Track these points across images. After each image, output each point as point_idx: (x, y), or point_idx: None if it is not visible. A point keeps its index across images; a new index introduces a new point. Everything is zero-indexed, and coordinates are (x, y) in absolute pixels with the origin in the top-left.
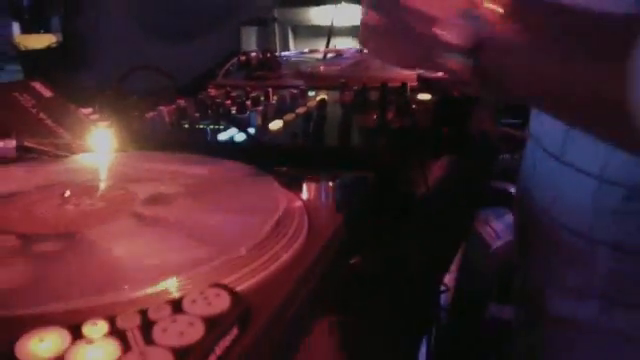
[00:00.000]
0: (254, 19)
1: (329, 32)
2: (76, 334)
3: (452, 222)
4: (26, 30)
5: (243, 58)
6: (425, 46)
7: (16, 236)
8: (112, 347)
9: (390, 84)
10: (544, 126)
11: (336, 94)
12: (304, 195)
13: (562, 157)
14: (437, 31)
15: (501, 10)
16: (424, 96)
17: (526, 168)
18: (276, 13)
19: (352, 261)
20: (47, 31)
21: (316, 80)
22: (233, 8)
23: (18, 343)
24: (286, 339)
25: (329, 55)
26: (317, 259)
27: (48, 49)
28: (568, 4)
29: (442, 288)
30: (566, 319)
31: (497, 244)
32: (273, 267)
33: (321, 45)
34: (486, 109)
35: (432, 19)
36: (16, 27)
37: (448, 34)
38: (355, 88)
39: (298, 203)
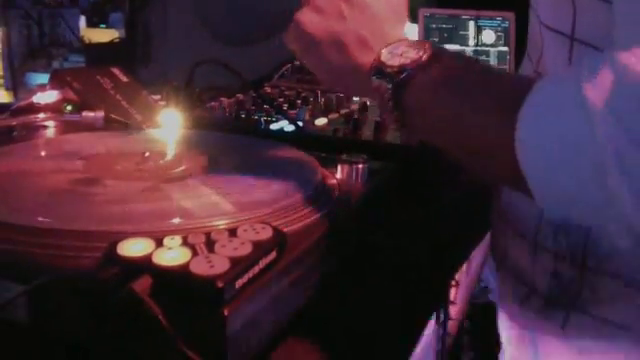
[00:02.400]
0: None
1: None
2: (159, 243)
3: (472, 215)
4: (92, 24)
5: (297, 63)
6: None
7: (111, 182)
8: (185, 252)
9: None
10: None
11: None
12: (338, 174)
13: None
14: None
15: (425, 56)
16: None
17: None
18: None
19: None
20: (111, 26)
21: None
22: (291, 18)
23: (119, 245)
24: (310, 271)
25: None
26: (341, 222)
27: (111, 44)
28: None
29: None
30: None
31: None
32: (308, 220)
33: None
34: None
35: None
36: (83, 20)
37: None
38: None
39: (332, 179)
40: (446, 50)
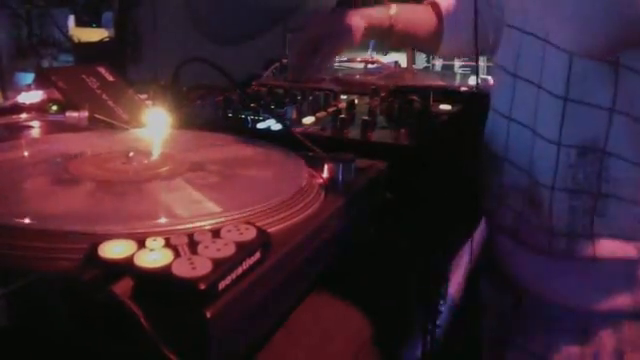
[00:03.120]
0: (301, 28)
1: (371, 44)
2: (141, 245)
3: (460, 213)
4: (81, 23)
5: (286, 61)
6: None
7: (94, 182)
8: (167, 254)
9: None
10: (494, 91)
11: (366, 99)
12: (324, 173)
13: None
14: None
15: None
16: (445, 106)
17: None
18: None
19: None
20: (100, 26)
21: (350, 86)
22: (280, 17)
23: (100, 246)
24: (295, 273)
25: (369, 65)
26: (327, 221)
27: (100, 43)
28: None
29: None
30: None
31: None
32: (293, 220)
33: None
34: None
35: None
36: (72, 20)
37: None
38: (383, 94)
39: (319, 178)
40: None
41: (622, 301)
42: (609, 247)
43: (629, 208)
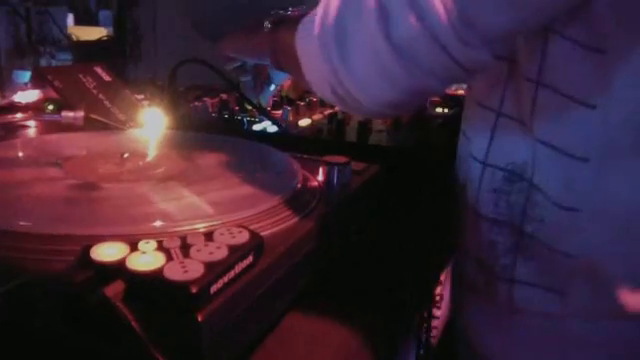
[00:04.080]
0: None
1: None
2: (133, 247)
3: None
4: (80, 22)
5: None
6: None
7: (88, 183)
8: (159, 257)
9: None
10: (467, 119)
11: None
12: (320, 176)
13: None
14: None
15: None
16: (441, 109)
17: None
18: None
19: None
20: (99, 24)
21: None
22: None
23: (92, 249)
24: (287, 277)
25: None
26: (321, 225)
27: (99, 42)
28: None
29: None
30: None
31: None
32: (287, 223)
33: None
34: None
35: None
36: (71, 18)
37: None
38: None
39: (314, 181)
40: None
41: None
42: (529, 295)
43: (552, 255)
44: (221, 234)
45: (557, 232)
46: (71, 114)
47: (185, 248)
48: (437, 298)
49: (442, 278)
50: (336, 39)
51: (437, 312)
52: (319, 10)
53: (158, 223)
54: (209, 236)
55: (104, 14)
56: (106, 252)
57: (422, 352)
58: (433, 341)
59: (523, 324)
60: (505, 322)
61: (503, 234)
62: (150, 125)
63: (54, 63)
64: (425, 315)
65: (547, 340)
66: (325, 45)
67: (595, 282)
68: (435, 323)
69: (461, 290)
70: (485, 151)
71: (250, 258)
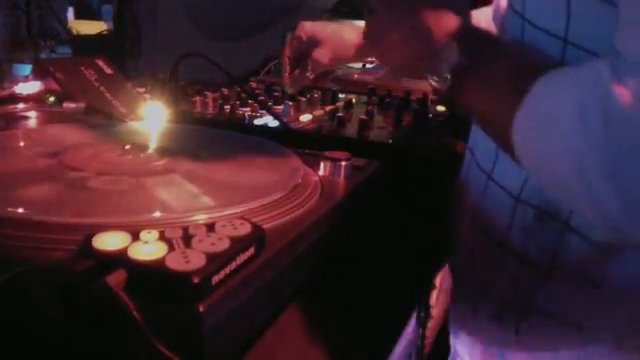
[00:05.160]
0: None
1: None
2: (135, 237)
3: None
4: (80, 16)
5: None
6: (417, 61)
7: (90, 173)
8: (161, 247)
9: (413, 94)
10: (478, 143)
11: (364, 98)
12: (321, 171)
13: (491, 174)
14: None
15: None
16: (442, 108)
17: (462, 174)
18: None
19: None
20: (100, 19)
21: (348, 85)
22: (281, 14)
23: (94, 238)
24: (288, 269)
25: (368, 65)
26: (322, 219)
27: (99, 36)
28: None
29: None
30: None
31: None
32: (288, 217)
33: None
34: None
35: (429, 38)
36: (71, 12)
37: (437, 62)
38: (380, 94)
39: (315, 176)
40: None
41: None
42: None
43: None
44: (223, 226)
45: (585, 264)
46: (73, 105)
47: (187, 239)
48: (433, 298)
49: (438, 280)
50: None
51: (433, 310)
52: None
53: (160, 213)
54: (211, 227)
55: (106, 8)
56: (108, 241)
57: (418, 345)
58: (428, 335)
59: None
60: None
61: (530, 274)
62: (151, 118)
63: (54, 57)
64: (422, 312)
65: None
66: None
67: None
68: (431, 319)
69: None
70: (520, 187)
71: (251, 250)
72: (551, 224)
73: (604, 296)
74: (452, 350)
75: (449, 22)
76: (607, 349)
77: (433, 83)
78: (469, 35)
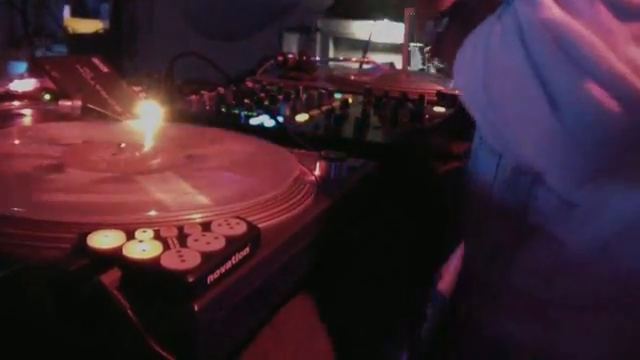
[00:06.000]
0: (297, 26)
1: (366, 45)
2: (130, 236)
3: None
4: (76, 14)
5: (281, 59)
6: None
7: (85, 172)
8: (156, 246)
9: (410, 95)
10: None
11: (360, 98)
12: (316, 171)
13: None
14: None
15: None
16: (439, 109)
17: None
18: (320, 23)
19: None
20: (96, 17)
21: (345, 85)
22: (277, 15)
23: (89, 236)
24: (284, 269)
25: (365, 66)
26: (318, 219)
27: (95, 34)
28: None
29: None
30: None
31: None
32: (284, 216)
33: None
34: None
35: None
36: (67, 10)
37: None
38: (377, 95)
39: (311, 175)
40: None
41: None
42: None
43: (551, 246)
44: (218, 225)
45: (557, 224)
46: (68, 103)
47: (182, 238)
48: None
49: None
50: None
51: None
52: None
53: (155, 212)
54: (206, 226)
55: (104, 7)
56: (103, 240)
57: (415, 344)
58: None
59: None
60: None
61: (508, 225)
62: (147, 117)
63: (50, 55)
64: (417, 311)
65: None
66: None
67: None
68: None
69: (468, 280)
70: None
71: (247, 249)
72: (524, 177)
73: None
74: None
75: None
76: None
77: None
78: None
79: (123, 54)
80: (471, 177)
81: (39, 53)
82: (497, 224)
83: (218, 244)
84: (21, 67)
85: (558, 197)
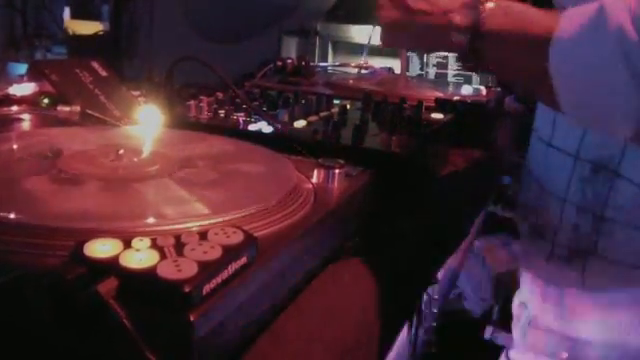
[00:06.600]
0: (296, 30)
1: (365, 49)
2: (127, 244)
3: (450, 223)
4: (76, 16)
5: (280, 63)
6: (438, 30)
7: (84, 178)
8: (153, 255)
9: (408, 101)
10: (538, 119)
11: (358, 104)
12: (314, 178)
13: (550, 141)
14: (451, 16)
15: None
16: (437, 115)
17: (529, 151)
18: (319, 27)
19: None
20: (96, 19)
21: (342, 91)
22: (277, 18)
23: (86, 245)
24: (280, 278)
25: (363, 71)
26: (316, 227)
27: (95, 36)
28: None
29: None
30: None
31: (500, 271)
32: (281, 225)
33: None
34: (505, 128)
35: (445, 10)
36: (67, 12)
37: (457, 18)
38: (376, 100)
39: (308, 183)
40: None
41: None
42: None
43: (632, 234)
44: (215, 234)
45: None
46: (67, 109)
47: (179, 247)
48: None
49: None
50: None
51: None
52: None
53: (152, 220)
54: (203, 235)
55: (105, 9)
56: (99, 249)
57: (411, 347)
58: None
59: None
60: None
61: (586, 218)
62: (146, 122)
63: (49, 56)
64: (419, 314)
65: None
66: None
67: None
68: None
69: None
70: (577, 146)
71: (244, 259)
72: (604, 173)
73: None
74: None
75: None
76: None
77: (454, 39)
78: None
79: (123, 56)
80: (540, 175)
81: (39, 54)
82: (576, 219)
83: (215, 253)
84: (21, 68)
85: (637, 185)
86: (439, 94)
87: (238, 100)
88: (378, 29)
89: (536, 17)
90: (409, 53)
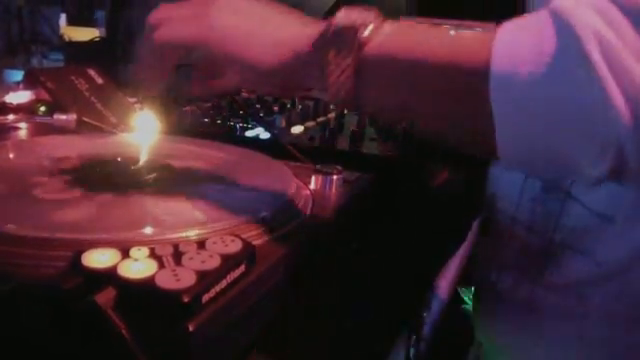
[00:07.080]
0: None
1: None
2: (125, 254)
3: (447, 228)
4: (72, 22)
5: None
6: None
7: (80, 187)
8: (151, 264)
9: None
10: None
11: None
12: (312, 184)
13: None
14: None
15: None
16: None
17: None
18: None
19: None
20: (92, 25)
21: None
22: None
23: (84, 255)
24: (279, 286)
25: None
26: (314, 234)
27: (91, 42)
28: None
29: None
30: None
31: None
32: (279, 232)
33: None
34: None
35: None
36: (63, 18)
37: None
38: None
39: (306, 190)
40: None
41: None
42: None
43: (581, 260)
44: (214, 243)
45: (588, 238)
46: (63, 117)
47: (177, 256)
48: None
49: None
50: None
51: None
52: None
53: (150, 230)
54: (201, 244)
55: (101, 15)
56: (97, 259)
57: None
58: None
59: (543, 323)
60: (524, 320)
61: (536, 240)
62: (143, 129)
63: (46, 63)
64: (418, 318)
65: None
66: None
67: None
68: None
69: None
70: None
71: (242, 267)
72: (555, 193)
73: (599, 267)
74: None
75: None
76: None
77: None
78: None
79: (119, 62)
80: (493, 194)
81: (35, 61)
82: (524, 239)
83: (213, 262)
84: (17, 75)
85: (591, 212)
86: None
87: (235, 106)
88: None
89: (446, 39)
90: None
